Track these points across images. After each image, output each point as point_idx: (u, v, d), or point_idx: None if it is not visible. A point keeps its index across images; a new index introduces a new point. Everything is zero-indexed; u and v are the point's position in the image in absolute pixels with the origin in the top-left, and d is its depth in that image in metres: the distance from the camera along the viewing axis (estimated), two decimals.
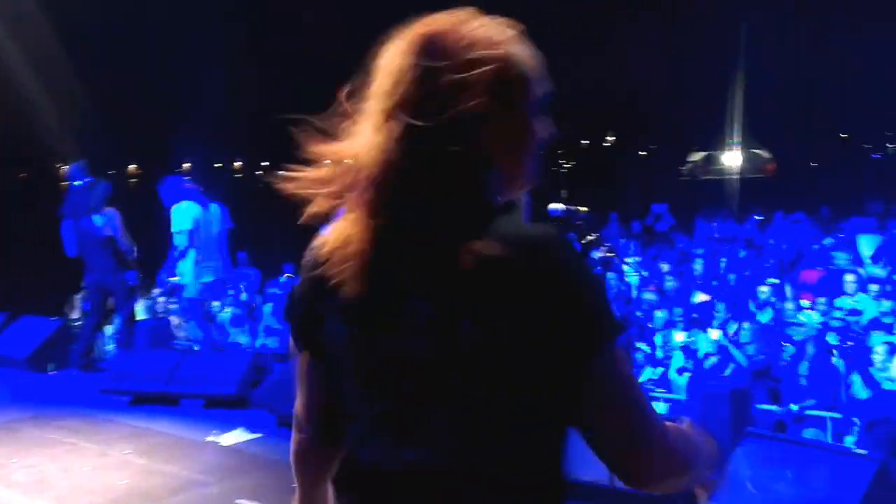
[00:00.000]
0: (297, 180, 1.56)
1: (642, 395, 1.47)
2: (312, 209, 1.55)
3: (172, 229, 8.42)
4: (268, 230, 10.47)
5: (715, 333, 8.52)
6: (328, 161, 1.56)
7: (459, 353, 1.40)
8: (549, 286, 1.39)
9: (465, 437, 1.43)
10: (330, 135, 1.56)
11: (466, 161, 1.45)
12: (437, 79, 1.45)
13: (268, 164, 35.91)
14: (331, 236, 1.52)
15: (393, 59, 1.49)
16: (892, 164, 27.26)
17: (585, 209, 3.25)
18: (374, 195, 1.47)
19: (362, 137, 1.50)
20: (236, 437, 6.68)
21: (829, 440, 6.96)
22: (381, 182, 1.46)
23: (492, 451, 1.43)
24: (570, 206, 3.61)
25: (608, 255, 3.48)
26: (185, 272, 8.56)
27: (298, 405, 1.69)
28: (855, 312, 8.87)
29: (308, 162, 1.56)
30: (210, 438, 6.68)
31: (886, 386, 7.28)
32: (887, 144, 30.31)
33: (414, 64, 1.46)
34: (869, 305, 8.94)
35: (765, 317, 9.14)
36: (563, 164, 30.45)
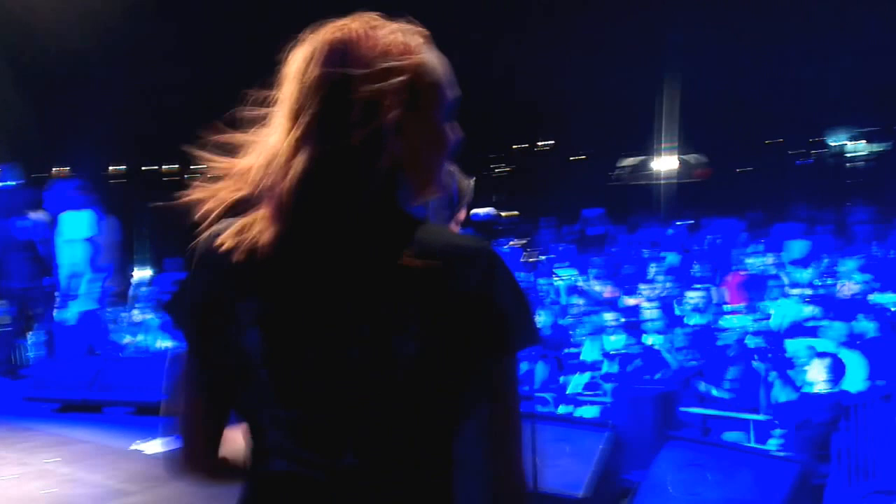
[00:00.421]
0: (203, 187, 1.52)
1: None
2: (206, 206, 1.51)
3: (64, 237, 8.24)
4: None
5: (648, 338, 8.65)
6: (232, 168, 1.52)
7: (384, 360, 1.40)
8: (473, 295, 1.40)
9: (389, 444, 1.43)
10: (234, 142, 1.52)
11: (379, 170, 1.42)
12: (351, 88, 1.42)
13: (156, 167, 35.30)
14: (233, 237, 1.47)
15: (302, 65, 1.46)
16: (818, 170, 28.00)
17: (509, 214, 3.26)
18: (285, 203, 1.43)
19: (270, 145, 1.47)
20: (161, 445, 6.55)
21: (752, 443, 7.10)
22: (291, 190, 1.43)
23: (416, 455, 1.43)
24: (493, 212, 3.64)
25: (536, 259, 3.53)
26: (80, 282, 8.41)
27: (181, 411, 1.61)
28: (769, 317, 9.09)
29: (212, 168, 1.53)
30: (134, 447, 6.55)
31: (807, 389, 7.42)
32: (812, 151, 31.13)
33: (325, 72, 1.44)
34: (791, 309, 9.15)
35: (694, 321, 9.30)
36: (497, 168, 30.63)
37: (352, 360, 1.41)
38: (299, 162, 1.43)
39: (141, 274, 15.88)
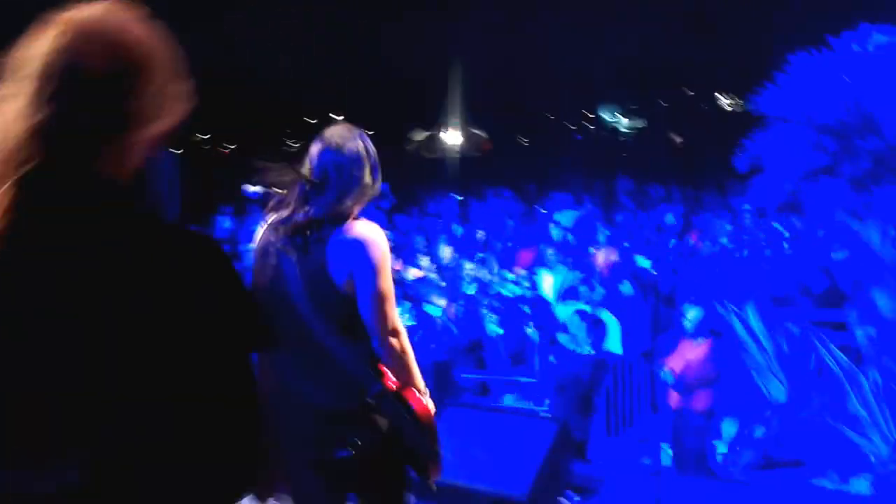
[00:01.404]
0: None
1: None
2: None
3: None
4: None
5: (428, 308, 8.90)
6: None
7: (112, 355, 1.38)
8: (192, 284, 1.43)
9: (122, 451, 1.39)
10: None
11: (100, 152, 1.46)
12: (83, 73, 1.45)
13: None
14: None
15: (42, 46, 1.46)
16: (592, 144, 29.56)
17: (284, 191, 3.27)
18: (13, 194, 1.42)
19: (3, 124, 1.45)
20: None
21: (525, 405, 7.52)
22: (20, 181, 1.42)
23: (156, 457, 1.41)
24: (266, 189, 3.61)
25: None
26: None
27: None
28: (541, 284, 9.61)
29: None
30: None
31: (578, 351, 7.93)
32: (585, 124, 32.81)
33: (62, 56, 1.45)
34: (561, 276, 9.70)
35: (471, 290, 9.66)
36: (291, 143, 30.23)
37: (74, 358, 1.37)
38: (35, 150, 1.42)
39: None
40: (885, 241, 5.81)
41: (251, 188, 3.66)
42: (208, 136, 28.73)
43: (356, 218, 3.06)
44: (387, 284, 2.97)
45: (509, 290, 9.41)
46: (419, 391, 3.01)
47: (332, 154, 3.07)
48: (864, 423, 6.36)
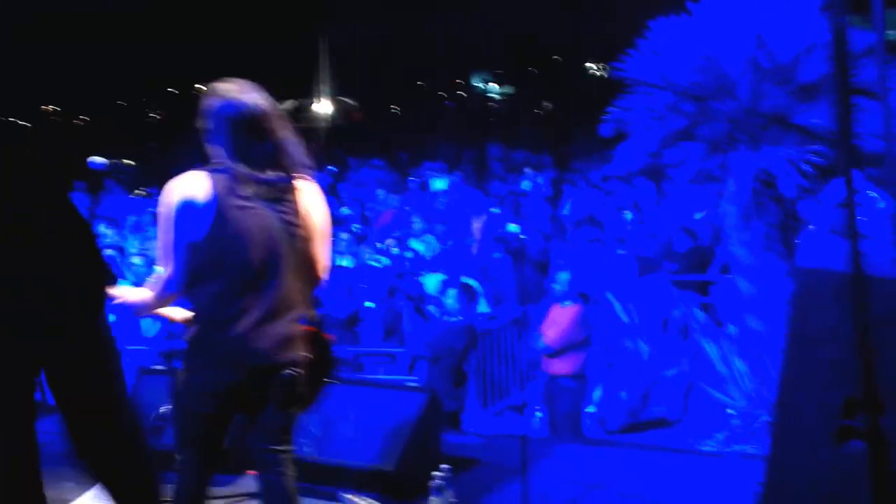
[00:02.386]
0: None
1: None
2: None
3: None
4: None
5: None
6: None
7: None
8: None
9: None
10: None
11: None
12: None
13: None
14: None
15: None
16: (463, 111, 29.63)
17: (130, 162, 3.20)
18: None
19: None
20: None
21: (397, 377, 7.44)
22: None
23: None
24: (114, 160, 3.42)
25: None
26: None
27: None
28: (408, 254, 9.55)
29: None
30: None
31: (449, 320, 7.86)
32: (457, 92, 32.88)
33: None
34: (429, 245, 9.64)
35: (343, 262, 9.49)
36: (152, 114, 29.15)
37: None
38: None
39: None
40: (742, 201, 5.95)
41: (97, 160, 3.44)
42: (61, 108, 27.33)
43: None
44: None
45: (381, 261, 9.28)
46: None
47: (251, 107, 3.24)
48: (725, 380, 6.56)
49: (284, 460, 3.40)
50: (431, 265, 8.98)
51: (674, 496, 4.58)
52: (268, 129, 3.25)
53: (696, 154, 6.11)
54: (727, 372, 6.62)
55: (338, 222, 11.63)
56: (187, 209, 3.16)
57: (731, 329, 6.79)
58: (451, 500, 4.45)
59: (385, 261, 9.28)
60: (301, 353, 3.30)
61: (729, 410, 6.42)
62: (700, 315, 7.18)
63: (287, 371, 3.27)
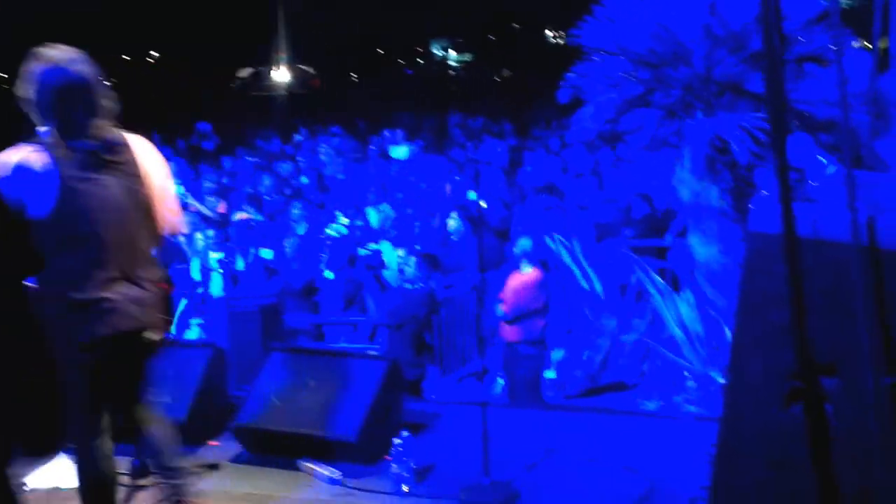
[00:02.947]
0: None
1: None
2: None
3: None
4: None
5: (263, 252, 8.66)
6: None
7: None
8: None
9: None
10: None
11: None
12: None
13: None
14: None
15: None
16: (422, 79, 29.48)
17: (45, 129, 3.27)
18: None
19: None
20: None
21: (357, 346, 7.46)
22: None
23: None
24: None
25: None
26: None
27: None
28: (368, 222, 9.53)
29: None
30: None
31: (409, 288, 7.87)
32: (417, 60, 32.70)
33: None
34: (394, 213, 9.61)
35: (301, 230, 9.44)
36: (106, 81, 28.56)
37: None
38: None
39: None
40: (697, 167, 6.02)
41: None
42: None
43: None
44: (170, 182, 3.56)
45: (339, 231, 9.24)
46: None
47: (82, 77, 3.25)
48: (681, 344, 6.66)
49: (150, 414, 3.59)
50: (390, 234, 8.96)
51: (631, 459, 4.65)
52: (90, 96, 3.26)
53: (651, 121, 6.16)
54: (683, 336, 6.73)
55: (297, 192, 11.57)
56: (23, 183, 3.16)
57: (687, 293, 6.88)
58: (413, 466, 4.50)
59: (343, 230, 9.24)
60: (158, 314, 3.48)
61: (685, 374, 6.53)
62: (658, 280, 7.26)
63: (146, 334, 3.42)
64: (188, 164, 13.61)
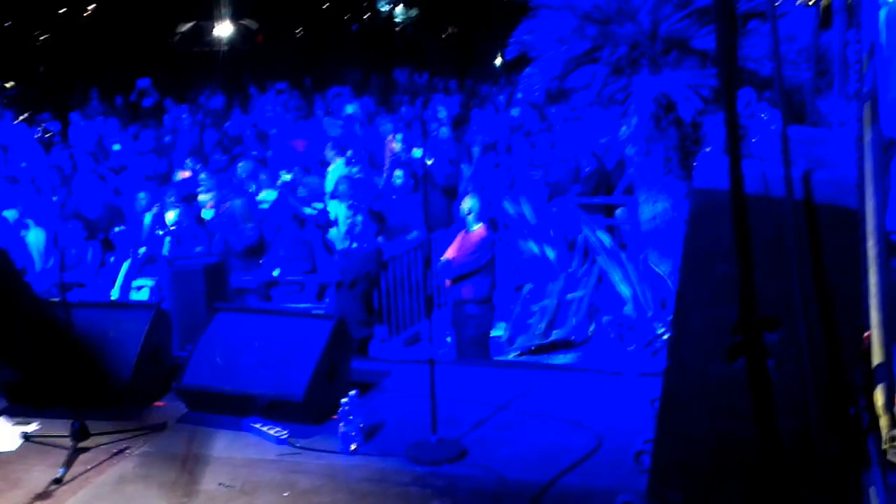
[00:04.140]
0: None
1: None
2: None
3: None
4: None
5: (207, 213, 8.51)
6: None
7: None
8: None
9: None
10: None
11: None
12: None
13: None
14: None
15: None
16: (370, 34, 29.08)
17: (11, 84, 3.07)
18: None
19: None
20: None
21: (303, 305, 7.40)
22: None
23: None
24: None
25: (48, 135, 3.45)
26: None
27: None
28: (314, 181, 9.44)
29: None
30: None
31: (354, 247, 7.76)
32: (363, 17, 32.22)
33: None
34: (336, 172, 9.50)
35: (251, 189, 9.30)
36: (39, 35, 27.71)
37: None
38: None
39: None
40: (643, 125, 6.03)
41: None
42: None
43: None
44: None
45: (285, 189, 9.12)
46: None
47: None
48: (627, 301, 6.72)
49: None
50: (335, 191, 8.86)
51: (578, 414, 4.70)
52: None
53: (599, 78, 6.14)
54: (630, 293, 6.79)
55: (239, 148, 11.39)
56: None
57: (634, 252, 6.94)
58: (360, 425, 4.49)
59: (287, 184, 9.13)
60: None
61: (630, 329, 6.60)
62: (605, 237, 7.30)
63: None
64: (128, 121, 13.30)
